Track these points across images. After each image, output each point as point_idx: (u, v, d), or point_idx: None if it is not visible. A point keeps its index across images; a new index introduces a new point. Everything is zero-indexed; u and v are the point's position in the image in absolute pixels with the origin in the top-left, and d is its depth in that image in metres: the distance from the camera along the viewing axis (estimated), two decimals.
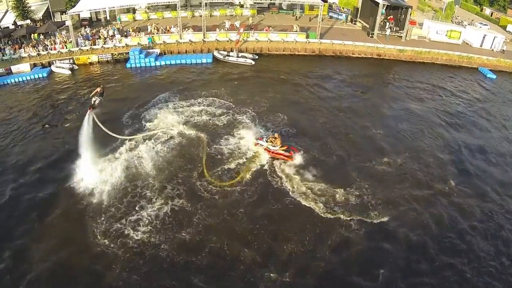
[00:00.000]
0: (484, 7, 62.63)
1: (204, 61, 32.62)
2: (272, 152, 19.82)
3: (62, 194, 17.80)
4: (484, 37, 39.57)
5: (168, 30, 35.31)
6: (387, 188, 18.66)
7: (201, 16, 41.38)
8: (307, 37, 35.60)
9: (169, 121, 23.19)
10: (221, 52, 33.22)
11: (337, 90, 28.81)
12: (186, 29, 35.10)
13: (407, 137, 23.36)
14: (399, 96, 29.06)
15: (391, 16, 39.51)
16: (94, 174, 18.70)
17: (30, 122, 24.31)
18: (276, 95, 27.09)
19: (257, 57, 33.13)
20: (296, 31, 35.64)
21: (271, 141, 19.83)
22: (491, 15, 59.19)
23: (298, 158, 19.83)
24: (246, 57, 32.61)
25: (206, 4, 34.46)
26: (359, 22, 42.92)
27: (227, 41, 34.81)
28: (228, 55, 32.75)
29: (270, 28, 35.33)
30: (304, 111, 25.29)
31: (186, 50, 34.11)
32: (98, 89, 19.26)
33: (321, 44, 35.58)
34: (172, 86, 28.15)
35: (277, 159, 19.91)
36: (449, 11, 55.18)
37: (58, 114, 25.29)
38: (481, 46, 39.42)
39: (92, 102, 19.21)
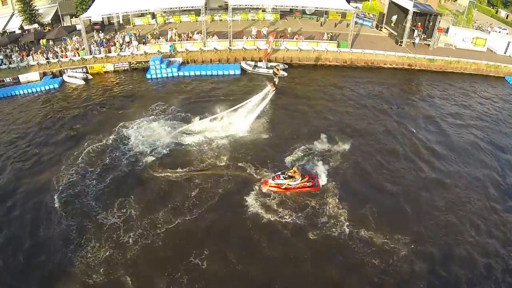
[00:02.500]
0: (499, 9, 60.85)
1: (231, 72, 29.92)
2: (294, 188, 17.50)
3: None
4: (508, 44, 37.59)
5: (191, 37, 32.62)
6: (456, 238, 16.09)
7: (221, 20, 39.25)
8: (338, 46, 33.16)
9: (212, 156, 20.10)
10: (248, 62, 30.56)
11: (379, 108, 26.28)
12: (210, 36, 32.44)
13: (454, 163, 20.90)
14: (437, 111, 26.71)
15: (420, 23, 37.34)
16: None
17: (43, 143, 21.70)
18: (316, 114, 24.68)
19: (287, 67, 30.58)
20: (327, 40, 33.18)
21: (290, 177, 17.42)
22: (507, 18, 57.40)
23: (331, 189, 17.82)
24: None
25: (232, 8, 31.67)
26: (385, 28, 40.71)
27: (255, 49, 32.20)
28: (257, 66, 30.12)
29: (300, 36, 32.82)
30: (346, 132, 22.80)
31: (211, 59, 31.48)
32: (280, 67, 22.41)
33: (352, 53, 33.20)
34: (204, 103, 25.18)
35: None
36: (470, 15, 53.15)
37: (75, 133, 22.54)
38: (505, 53, 37.55)
39: (275, 81, 20.93)
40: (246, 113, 21.79)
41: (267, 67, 29.86)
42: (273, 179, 17.62)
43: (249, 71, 30.11)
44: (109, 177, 18.42)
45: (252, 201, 17.05)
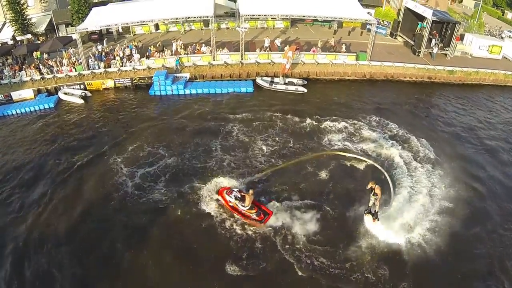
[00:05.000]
0: (506, 11, 58.87)
1: (243, 89, 27.24)
2: (239, 212, 15.65)
3: None
4: None
5: (199, 50, 29.99)
6: None
7: (228, 28, 36.75)
8: (357, 58, 30.75)
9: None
10: (264, 78, 27.89)
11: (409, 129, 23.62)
12: (220, 49, 29.83)
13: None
14: (470, 129, 24.17)
15: (435, 31, 35.15)
16: None
17: (30, 180, 18.81)
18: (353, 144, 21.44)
19: (305, 83, 28.06)
20: (345, 52, 30.73)
21: (241, 198, 15.71)
22: None
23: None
24: (295, 84, 27.45)
25: (244, 18, 29.09)
26: (400, 36, 38.45)
27: (269, 63, 29.61)
28: (273, 82, 27.51)
29: (318, 48, 30.33)
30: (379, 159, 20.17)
31: (221, 75, 28.83)
32: (371, 186, 14.75)
33: (371, 67, 30.81)
34: (217, 127, 22.59)
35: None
36: (481, 20, 51.11)
37: (69, 168, 19.48)
38: None
39: (372, 210, 14.98)
40: None
41: (284, 83, 27.35)
42: (227, 193, 16.21)
43: (265, 88, 27.47)
44: (108, 237, 15.24)
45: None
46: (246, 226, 15.53)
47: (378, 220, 15.03)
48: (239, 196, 15.80)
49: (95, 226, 15.86)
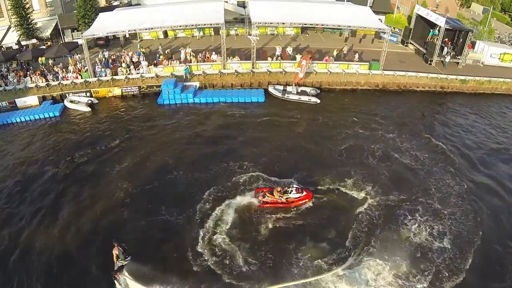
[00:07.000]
0: None
1: (254, 99, 26.47)
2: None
3: None
4: None
5: (209, 58, 29.25)
6: None
7: (237, 34, 36.03)
8: (370, 68, 29.99)
9: None
10: (277, 87, 27.20)
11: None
12: (231, 58, 29.08)
13: None
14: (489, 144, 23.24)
15: (447, 39, 34.42)
16: None
17: (43, 193, 18.13)
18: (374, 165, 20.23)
19: (318, 92, 27.37)
20: (358, 62, 29.97)
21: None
22: None
23: None
24: (308, 94, 26.72)
25: (255, 25, 28.29)
26: (411, 44, 37.70)
27: (281, 72, 28.87)
28: (286, 91, 26.78)
29: (331, 58, 29.57)
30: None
31: (232, 84, 28.07)
32: (115, 252, 12.61)
33: (384, 76, 30.03)
34: (227, 139, 21.91)
35: None
36: (491, 26, 50.30)
37: (71, 193, 18.22)
38: None
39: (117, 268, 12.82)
40: None
41: (297, 93, 26.61)
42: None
43: (278, 97, 26.70)
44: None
45: None
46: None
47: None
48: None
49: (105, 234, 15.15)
